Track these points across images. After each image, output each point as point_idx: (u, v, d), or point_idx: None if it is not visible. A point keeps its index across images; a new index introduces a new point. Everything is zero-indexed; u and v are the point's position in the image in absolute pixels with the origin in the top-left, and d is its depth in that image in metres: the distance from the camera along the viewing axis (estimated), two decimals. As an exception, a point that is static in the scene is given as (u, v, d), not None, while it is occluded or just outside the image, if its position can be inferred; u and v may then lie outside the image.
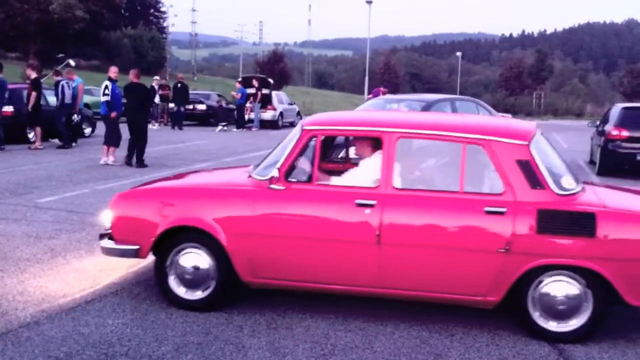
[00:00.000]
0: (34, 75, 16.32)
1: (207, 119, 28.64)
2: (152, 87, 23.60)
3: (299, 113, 31.98)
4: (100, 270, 5.87)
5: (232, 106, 28.52)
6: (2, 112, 15.48)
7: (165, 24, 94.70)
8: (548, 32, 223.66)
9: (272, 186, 4.80)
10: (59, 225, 7.63)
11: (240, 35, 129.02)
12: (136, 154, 13.43)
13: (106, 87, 13.57)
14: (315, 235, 4.68)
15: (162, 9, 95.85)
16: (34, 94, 15.79)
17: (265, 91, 27.60)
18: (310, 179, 4.87)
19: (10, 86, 16.19)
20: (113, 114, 13.58)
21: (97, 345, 4.28)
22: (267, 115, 27.99)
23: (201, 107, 28.68)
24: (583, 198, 4.64)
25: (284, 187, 4.78)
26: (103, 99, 13.63)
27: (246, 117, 26.72)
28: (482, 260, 4.46)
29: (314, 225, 4.70)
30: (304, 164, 4.99)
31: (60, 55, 37.38)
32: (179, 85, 25.98)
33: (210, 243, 4.90)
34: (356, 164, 5.30)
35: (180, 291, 5.01)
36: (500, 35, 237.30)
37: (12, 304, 5.00)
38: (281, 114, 28.95)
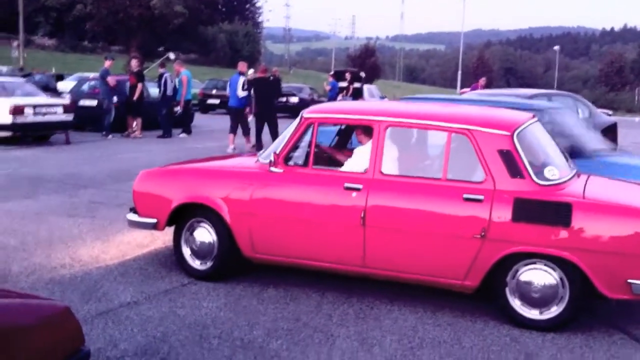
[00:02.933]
0: (137, 67, 17.10)
1: (299, 111, 28.89)
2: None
3: (390, 107, 31.75)
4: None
5: (323, 99, 28.72)
6: (114, 104, 16.31)
7: (260, 19, 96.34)
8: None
9: (272, 169, 5.15)
10: (157, 211, 7.94)
11: (333, 29, 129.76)
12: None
13: (244, 82, 14.44)
14: (307, 216, 5.00)
15: (258, 4, 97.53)
16: (139, 85, 16.52)
17: (356, 85, 27.65)
18: (306, 163, 5.17)
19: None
20: (247, 110, 14.63)
21: (192, 326, 4.46)
22: (359, 108, 27.97)
23: (294, 99, 29.02)
24: (567, 188, 4.68)
25: (282, 170, 5.13)
26: (242, 94, 14.46)
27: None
28: (459, 245, 4.60)
29: (306, 206, 5.02)
30: (302, 149, 5.29)
31: (161, 48, 38.73)
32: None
33: (215, 219, 5.31)
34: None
35: (195, 263, 5.50)
36: (600, 29, 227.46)
37: (113, 284, 5.27)
38: (372, 107, 28.87)
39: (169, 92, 16.91)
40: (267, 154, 5.37)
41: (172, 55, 25.54)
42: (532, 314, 4.61)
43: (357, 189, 4.83)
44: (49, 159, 12.35)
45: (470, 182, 4.66)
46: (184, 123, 17.82)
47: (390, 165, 4.95)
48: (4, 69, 32.83)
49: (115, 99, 16.56)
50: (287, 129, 5.44)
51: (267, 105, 14.46)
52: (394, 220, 4.77)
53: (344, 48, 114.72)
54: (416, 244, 4.72)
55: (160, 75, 17.14)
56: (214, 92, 29.22)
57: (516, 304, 4.64)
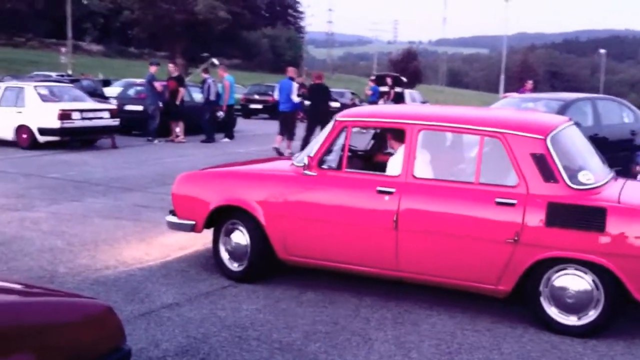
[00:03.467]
0: (176, 72, 17.42)
1: (340, 116, 28.93)
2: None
3: (432, 112, 31.60)
4: (236, 258, 6.16)
5: (364, 104, 28.73)
6: (160, 109, 16.63)
7: (302, 24, 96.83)
8: None
9: (306, 172, 5.22)
10: (199, 214, 8.07)
11: (375, 34, 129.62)
12: None
13: (298, 87, 14.92)
14: (340, 219, 5.03)
15: (300, 9, 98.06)
16: (181, 89, 16.80)
17: (398, 89, 27.56)
18: (339, 167, 5.21)
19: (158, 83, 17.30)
20: (301, 115, 15.31)
21: (231, 328, 4.53)
22: (400, 113, 27.91)
23: (335, 104, 29.10)
24: (603, 193, 4.62)
25: (316, 174, 5.20)
26: (297, 99, 14.83)
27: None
28: (492, 249, 4.58)
29: (339, 209, 5.06)
30: (335, 153, 5.30)
31: (205, 54, 39.24)
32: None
33: (249, 222, 5.41)
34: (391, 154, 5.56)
35: (232, 265, 5.59)
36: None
37: (155, 285, 5.38)
38: (413, 112, 28.76)
39: (212, 97, 17.14)
40: (301, 158, 5.45)
41: (215, 61, 25.86)
42: (567, 319, 4.57)
43: (390, 193, 4.86)
44: (95, 163, 12.64)
45: (503, 185, 4.65)
46: (227, 128, 18.02)
47: (422, 168, 4.96)
48: (53, 74, 33.71)
49: (160, 104, 16.85)
50: (321, 133, 5.51)
51: (324, 110, 14.58)
52: (426, 223, 4.78)
53: (386, 52, 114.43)
54: (448, 247, 4.72)
55: (204, 81, 17.41)
56: (256, 97, 29.48)
57: (550, 309, 4.61)
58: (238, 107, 24.32)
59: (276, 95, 15.73)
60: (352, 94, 31.31)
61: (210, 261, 6.01)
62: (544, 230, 4.45)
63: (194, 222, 5.70)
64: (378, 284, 5.34)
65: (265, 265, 5.52)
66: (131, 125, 17.30)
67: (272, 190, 5.34)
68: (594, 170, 4.86)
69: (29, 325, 2.57)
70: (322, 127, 14.39)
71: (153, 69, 16.95)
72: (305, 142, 14.52)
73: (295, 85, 14.91)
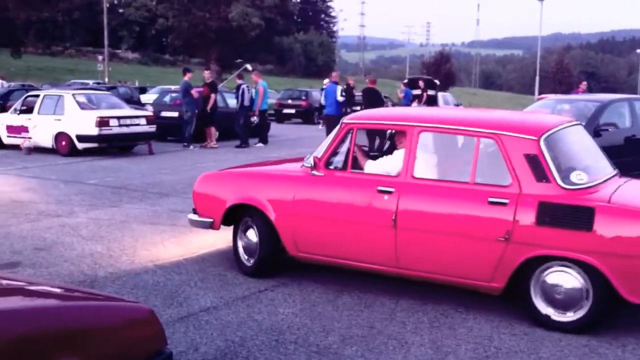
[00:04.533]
0: (210, 79, 17.63)
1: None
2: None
3: (465, 114, 31.43)
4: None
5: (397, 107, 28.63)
6: (194, 113, 16.83)
7: (334, 28, 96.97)
8: None
9: (313, 172, 5.44)
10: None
11: (407, 37, 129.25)
12: None
13: (342, 90, 15.97)
14: (344, 217, 5.23)
15: (332, 14, 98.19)
16: (212, 95, 16.98)
17: (431, 92, 27.42)
18: (345, 167, 5.40)
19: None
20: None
21: (269, 331, 4.57)
22: (433, 116, 27.82)
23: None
24: (596, 192, 4.67)
25: (323, 174, 5.41)
26: (341, 98, 15.98)
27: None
28: (485, 247, 4.70)
29: (343, 207, 5.27)
30: (342, 154, 5.48)
31: (239, 60, 39.55)
32: (345, 87, 26.53)
33: (259, 219, 5.68)
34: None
35: (246, 260, 5.87)
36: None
37: (193, 289, 5.46)
38: (447, 115, 28.63)
39: (246, 102, 17.29)
40: (309, 159, 5.65)
41: (249, 67, 26.04)
42: (558, 316, 4.65)
43: (390, 192, 5.04)
44: (132, 169, 12.84)
45: (497, 185, 4.76)
46: (261, 133, 18.15)
47: (421, 169, 5.09)
48: (90, 82, 34.31)
49: (196, 110, 17.03)
50: (330, 134, 5.66)
51: None
52: (423, 222, 4.94)
53: (418, 55, 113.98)
54: (444, 245, 4.87)
55: (238, 87, 17.57)
56: (289, 102, 29.63)
57: (541, 305, 4.68)
58: (271, 112, 24.48)
59: (322, 100, 16.82)
60: (385, 97, 31.23)
61: (247, 265, 6.07)
62: (534, 229, 4.55)
63: (212, 220, 6.00)
64: (414, 287, 5.34)
65: (273, 262, 5.79)
66: (167, 132, 17.54)
67: (281, 190, 5.61)
68: (591, 170, 4.93)
69: (74, 328, 2.64)
70: None
71: (188, 76, 17.15)
72: None
73: (339, 88, 15.96)
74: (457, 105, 31.36)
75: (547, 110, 11.46)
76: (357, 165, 5.47)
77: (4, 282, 2.99)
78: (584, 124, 10.08)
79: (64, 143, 14.67)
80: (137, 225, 7.72)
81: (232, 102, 18.44)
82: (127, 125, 15.08)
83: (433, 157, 5.27)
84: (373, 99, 15.79)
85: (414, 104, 26.64)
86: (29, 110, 15.45)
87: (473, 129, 4.98)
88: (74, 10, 67.68)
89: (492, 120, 5.18)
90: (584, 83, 21.03)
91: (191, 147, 16.69)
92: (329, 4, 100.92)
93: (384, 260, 5.13)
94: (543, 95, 26.11)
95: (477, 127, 4.97)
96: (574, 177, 4.69)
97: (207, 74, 18.10)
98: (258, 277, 5.71)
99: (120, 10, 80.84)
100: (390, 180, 5.12)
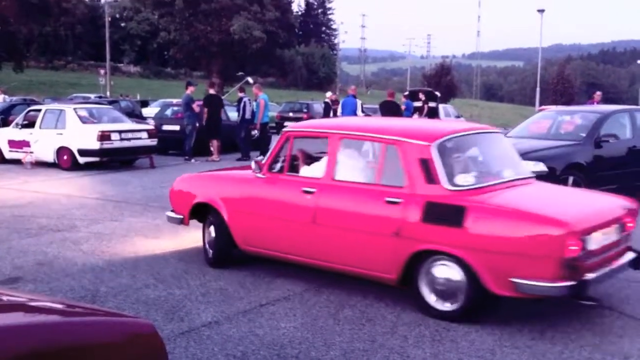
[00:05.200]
0: (211, 91, 17.76)
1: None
2: (326, 102, 24.46)
3: (466, 126, 31.50)
4: (276, 276, 6.22)
5: (399, 120, 28.62)
6: (196, 127, 16.85)
7: (336, 41, 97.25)
8: None
9: (257, 175, 6.16)
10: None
11: (408, 49, 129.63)
12: None
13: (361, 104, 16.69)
14: (278, 214, 5.92)
15: (333, 27, 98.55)
16: (205, 109, 17.02)
17: (432, 104, 27.45)
18: (282, 170, 6.08)
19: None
20: None
21: (270, 346, 4.56)
22: (434, 128, 27.90)
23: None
24: (477, 194, 5.09)
25: (265, 176, 6.13)
26: (361, 114, 16.38)
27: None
28: (381, 242, 5.24)
29: (278, 206, 5.97)
30: (282, 158, 6.14)
31: (240, 73, 39.71)
32: (324, 104, 26.55)
33: (215, 217, 6.44)
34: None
35: (210, 253, 6.61)
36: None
37: (195, 304, 5.45)
38: (448, 126, 28.71)
39: (247, 115, 17.33)
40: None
41: (250, 80, 26.15)
42: (442, 305, 5.07)
43: (312, 192, 5.69)
44: (134, 182, 12.86)
45: (395, 186, 5.29)
46: (262, 146, 18.15)
47: (340, 172, 5.69)
48: (92, 96, 34.43)
49: (197, 124, 17.06)
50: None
51: None
52: (335, 219, 5.55)
53: (419, 67, 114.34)
54: (351, 240, 5.44)
55: (240, 100, 17.63)
56: (290, 114, 29.66)
57: (428, 296, 5.12)
58: (273, 124, 24.52)
59: (339, 112, 17.16)
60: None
61: (248, 280, 6.08)
62: (420, 226, 5.05)
63: (182, 216, 6.88)
64: (415, 301, 5.33)
65: (229, 254, 6.50)
66: (168, 145, 17.57)
67: (232, 190, 6.44)
68: (487, 174, 5.51)
69: (74, 344, 2.63)
70: None
71: (190, 90, 17.20)
72: None
73: (359, 102, 16.36)
74: (458, 117, 31.39)
75: (548, 121, 11.50)
76: (294, 169, 6.15)
77: (5, 297, 2.98)
78: (584, 134, 10.15)
79: (65, 157, 14.71)
80: (139, 240, 7.72)
81: (233, 115, 18.48)
82: (128, 139, 15.11)
83: (350, 161, 5.82)
84: (392, 111, 16.22)
85: (415, 115, 26.67)
86: (30, 124, 15.50)
87: (381, 135, 5.61)
88: (76, 24, 68.05)
89: (396, 128, 5.81)
90: (599, 93, 20.89)
91: (193, 160, 16.71)
92: (330, 16, 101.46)
93: (308, 253, 5.76)
94: (544, 107, 26.15)
95: (383, 134, 5.60)
96: (460, 179, 5.17)
97: (207, 88, 18.37)
98: (217, 268, 6.42)
99: (122, 24, 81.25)
100: (314, 182, 5.76)
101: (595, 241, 4.80)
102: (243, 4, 56.50)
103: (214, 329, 4.89)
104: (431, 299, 5.11)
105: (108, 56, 50.47)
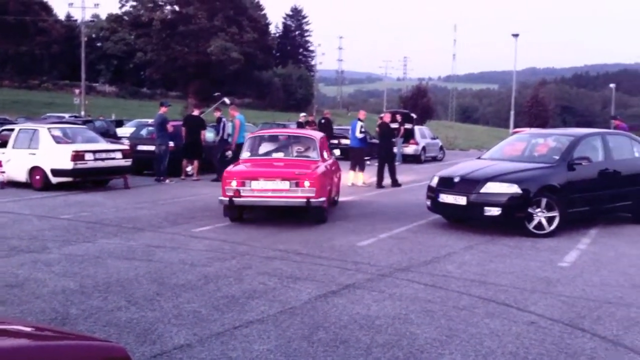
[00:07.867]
0: (195, 112, 18.04)
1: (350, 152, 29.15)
2: (299, 122, 24.67)
3: (441, 147, 31.76)
4: (248, 297, 6.17)
5: (375, 141, 28.80)
6: (169, 148, 16.86)
7: (313, 63, 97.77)
8: None
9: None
10: (212, 253, 8.10)
11: (385, 71, 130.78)
12: (390, 176, 16.81)
13: (361, 127, 17.30)
14: None
15: (311, 48, 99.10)
16: (184, 129, 17.22)
17: (408, 126, 27.68)
18: None
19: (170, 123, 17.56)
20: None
21: (243, 369, 4.51)
22: (410, 149, 28.11)
23: (345, 141, 29.23)
24: None
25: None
26: (360, 135, 17.29)
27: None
28: None
29: None
30: None
31: (217, 94, 39.69)
32: (322, 120, 26.71)
33: None
34: None
35: None
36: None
37: (167, 326, 5.38)
38: (424, 148, 28.92)
39: (226, 136, 17.40)
40: None
41: (227, 100, 26.16)
42: None
43: None
44: (108, 203, 12.73)
45: None
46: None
47: None
48: (66, 116, 34.16)
49: (171, 143, 17.01)
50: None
51: (386, 144, 17.15)
52: None
53: (396, 89, 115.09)
54: None
55: (219, 120, 17.69)
56: (267, 135, 29.66)
57: None
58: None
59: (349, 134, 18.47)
60: (364, 131, 31.43)
61: (222, 302, 6.02)
62: None
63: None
64: (390, 323, 5.31)
65: None
66: (143, 165, 17.48)
67: None
68: None
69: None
70: (389, 162, 16.92)
71: (163, 110, 17.16)
72: (379, 176, 16.82)
73: (359, 124, 17.32)
74: (434, 138, 31.64)
75: (522, 143, 11.64)
76: None
77: (-29, 321, 2.92)
78: (557, 157, 10.29)
79: (38, 177, 14.54)
80: (112, 261, 7.63)
81: (210, 135, 18.47)
82: (102, 159, 14.99)
83: None
84: (387, 134, 17.23)
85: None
86: (3, 144, 15.32)
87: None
88: (52, 44, 67.65)
89: None
90: (619, 118, 20.97)
91: (167, 180, 16.62)
92: (307, 38, 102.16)
93: None
94: (518, 129, 26.47)
95: None
96: None
97: (192, 109, 19.12)
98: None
99: (99, 44, 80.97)
100: None
101: None
102: (221, 26, 56.72)
103: (186, 352, 4.83)
104: None
105: (83, 75, 50.21)
